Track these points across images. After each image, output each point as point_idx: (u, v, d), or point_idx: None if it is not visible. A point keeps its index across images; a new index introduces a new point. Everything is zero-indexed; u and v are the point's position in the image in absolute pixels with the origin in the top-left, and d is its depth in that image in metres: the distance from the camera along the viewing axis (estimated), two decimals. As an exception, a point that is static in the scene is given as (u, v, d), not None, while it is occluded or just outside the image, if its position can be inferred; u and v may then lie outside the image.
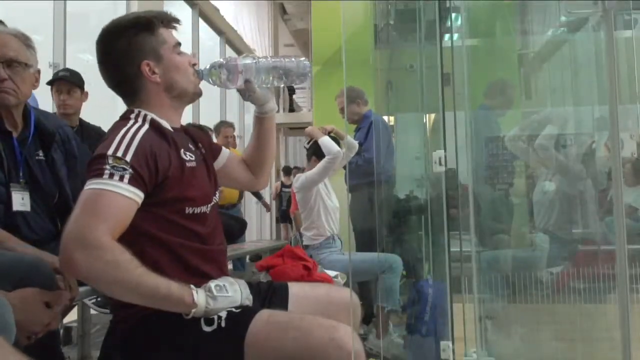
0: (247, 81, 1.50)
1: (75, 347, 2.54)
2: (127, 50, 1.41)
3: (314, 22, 7.44)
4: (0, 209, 1.62)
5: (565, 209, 3.13)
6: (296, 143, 14.04)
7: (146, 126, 1.39)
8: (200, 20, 7.05)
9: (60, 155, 1.82)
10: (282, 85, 1.58)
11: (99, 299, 2.70)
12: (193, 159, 1.45)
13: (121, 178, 1.26)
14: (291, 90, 11.26)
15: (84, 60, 4.77)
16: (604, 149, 2.87)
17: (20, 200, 1.68)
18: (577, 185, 3.12)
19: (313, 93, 8.42)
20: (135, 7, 4.99)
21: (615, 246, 1.53)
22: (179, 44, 1.49)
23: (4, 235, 1.53)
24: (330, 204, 3.46)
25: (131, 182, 1.27)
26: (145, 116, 1.42)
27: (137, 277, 1.22)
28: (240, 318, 1.33)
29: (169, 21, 1.48)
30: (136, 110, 1.44)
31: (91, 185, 1.25)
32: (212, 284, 1.33)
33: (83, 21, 4.95)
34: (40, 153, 1.77)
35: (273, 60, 1.52)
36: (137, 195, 1.28)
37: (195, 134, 1.58)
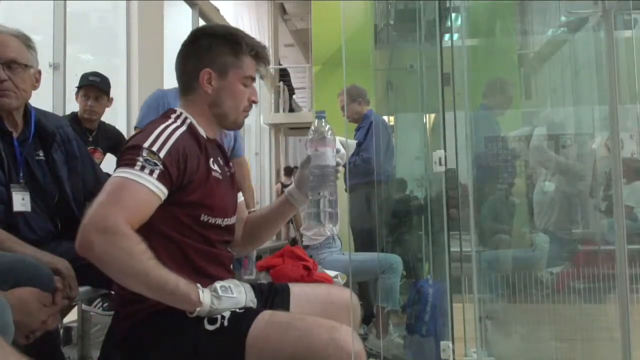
0: (322, 195, 1.38)
1: (75, 347, 2.53)
2: (203, 51, 1.47)
3: (314, 22, 7.44)
4: (0, 209, 1.62)
5: (565, 209, 3.13)
6: (296, 143, 14.05)
7: (184, 128, 1.42)
8: (200, 20, 7.05)
9: (60, 155, 1.82)
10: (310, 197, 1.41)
11: (104, 305, 2.70)
12: (219, 172, 1.48)
13: (151, 172, 1.29)
14: (291, 91, 11.26)
15: (84, 60, 4.78)
16: (603, 149, 2.87)
17: (21, 201, 1.68)
18: (577, 185, 3.12)
19: (313, 93, 8.41)
20: (135, 7, 4.99)
21: (615, 246, 1.53)
22: (252, 78, 1.52)
23: (4, 235, 1.52)
24: None
25: (160, 178, 1.30)
26: (185, 119, 1.46)
27: (147, 268, 1.23)
28: (243, 318, 1.33)
29: (259, 56, 1.52)
30: (178, 111, 1.48)
31: (121, 173, 1.28)
32: (217, 284, 1.35)
33: (83, 21, 4.95)
34: (41, 153, 1.77)
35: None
36: (162, 192, 1.31)
37: (227, 153, 1.62)
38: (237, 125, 1.56)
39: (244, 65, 1.49)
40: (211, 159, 1.46)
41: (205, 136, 1.48)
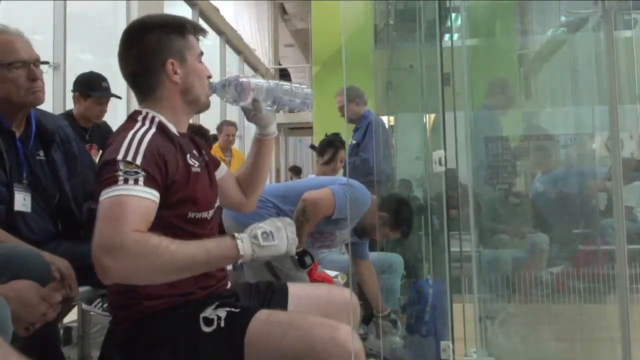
0: (255, 100, 1.53)
1: (75, 347, 2.53)
2: (156, 45, 1.43)
3: (314, 22, 7.45)
4: (1, 209, 1.61)
5: (566, 209, 3.13)
6: (296, 143, 14.05)
7: (153, 129, 1.39)
8: (200, 20, 7.05)
9: (60, 155, 1.82)
10: (285, 110, 1.61)
11: (104, 305, 2.70)
12: (197, 165, 1.46)
13: (136, 181, 1.25)
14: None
15: (84, 60, 4.78)
16: (603, 148, 2.87)
17: (22, 201, 1.68)
18: (577, 186, 3.12)
19: (313, 93, 8.38)
20: (135, 7, 4.99)
21: (615, 246, 1.53)
22: (202, 53, 1.51)
23: (4, 235, 1.53)
24: None
25: (146, 183, 1.26)
26: (153, 118, 1.42)
27: (170, 258, 1.21)
28: (240, 318, 1.33)
29: (199, 30, 1.52)
30: (144, 112, 1.44)
31: (107, 194, 1.23)
32: (258, 231, 1.31)
33: (83, 21, 4.95)
34: (41, 153, 1.77)
35: (282, 84, 1.57)
36: (154, 196, 1.28)
37: (199, 141, 1.59)
38: (207, 105, 1.54)
39: (193, 44, 1.48)
40: (188, 155, 1.44)
41: (177, 132, 1.45)
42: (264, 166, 1.69)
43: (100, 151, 3.24)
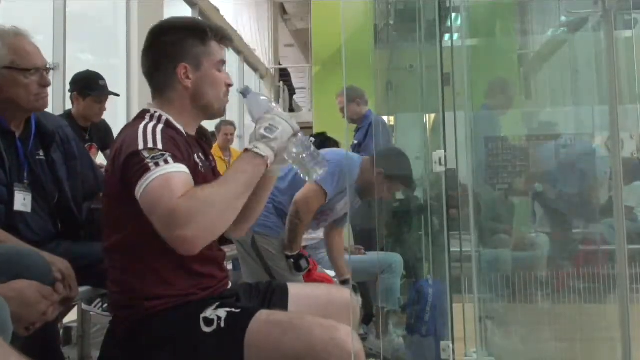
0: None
1: (75, 347, 2.53)
2: (171, 48, 1.45)
3: (314, 22, 7.45)
4: (0, 209, 1.61)
5: (566, 209, 3.13)
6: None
7: (161, 125, 1.40)
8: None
9: (59, 155, 1.82)
10: (296, 168, 1.48)
11: (104, 305, 2.70)
12: (203, 166, 1.47)
13: (166, 162, 1.27)
14: (291, 91, 11.26)
15: (84, 60, 4.78)
16: (603, 149, 2.87)
17: (22, 201, 1.68)
18: (577, 186, 3.12)
19: (313, 93, 8.41)
20: (135, 7, 4.99)
21: (615, 246, 1.53)
22: (223, 62, 1.51)
23: (3, 235, 1.52)
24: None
25: (175, 160, 1.28)
26: (160, 117, 1.44)
27: (222, 197, 1.25)
28: (240, 318, 1.33)
29: (223, 38, 1.51)
30: (152, 110, 1.46)
31: (145, 183, 1.24)
32: (260, 131, 1.35)
33: (83, 21, 4.95)
34: (41, 153, 1.77)
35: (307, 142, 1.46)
36: (185, 168, 1.30)
37: (206, 147, 1.60)
38: (221, 113, 1.54)
39: (213, 51, 1.47)
40: (195, 154, 1.45)
41: (184, 132, 1.46)
42: (261, 201, 1.64)
43: (100, 151, 3.23)
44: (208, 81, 1.46)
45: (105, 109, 3.10)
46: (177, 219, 1.19)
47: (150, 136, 1.32)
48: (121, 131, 1.45)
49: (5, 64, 1.63)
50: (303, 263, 2.41)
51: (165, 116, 1.44)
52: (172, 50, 1.44)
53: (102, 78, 3.06)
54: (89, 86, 3.01)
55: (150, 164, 1.25)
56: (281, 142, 1.35)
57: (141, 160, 1.27)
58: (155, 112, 1.45)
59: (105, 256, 1.46)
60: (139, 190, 1.24)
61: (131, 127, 1.39)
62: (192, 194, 1.22)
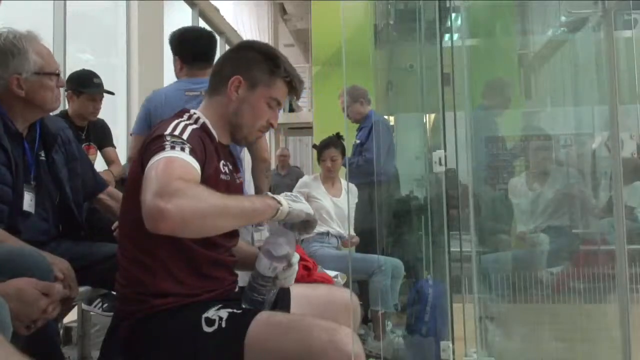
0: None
1: (75, 347, 2.54)
2: (242, 60, 1.50)
3: (314, 22, 7.45)
4: (4, 210, 1.61)
5: (565, 209, 3.13)
6: (296, 143, 14.05)
7: (196, 126, 1.43)
8: (200, 20, 7.05)
9: (61, 156, 1.82)
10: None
11: (104, 305, 2.70)
12: (228, 176, 1.48)
13: (182, 149, 1.29)
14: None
15: (84, 60, 4.78)
16: (603, 148, 2.87)
17: (29, 202, 1.68)
18: (577, 186, 3.12)
19: (313, 93, 8.41)
20: (135, 7, 4.99)
21: (615, 246, 1.53)
22: (278, 103, 1.52)
23: (4, 235, 1.53)
24: (325, 204, 3.44)
25: (191, 154, 1.30)
26: (198, 119, 1.46)
27: (220, 201, 1.25)
28: (241, 319, 1.33)
29: (293, 86, 1.53)
30: (192, 111, 1.48)
31: (156, 158, 1.26)
32: (287, 194, 1.43)
33: (83, 21, 4.95)
34: (42, 154, 1.78)
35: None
36: (197, 165, 1.31)
37: (236, 162, 1.62)
38: (247, 142, 1.58)
39: (274, 86, 1.49)
40: (222, 161, 1.46)
41: (217, 139, 1.48)
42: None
43: (98, 151, 3.22)
44: (251, 106, 1.48)
45: (100, 108, 3.07)
46: (164, 190, 1.17)
47: (180, 128, 1.36)
48: (157, 124, 1.48)
49: (35, 70, 1.67)
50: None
51: (203, 119, 1.46)
52: (240, 63, 1.49)
53: (97, 76, 3.04)
54: (82, 83, 2.98)
55: (167, 145, 1.28)
56: (300, 208, 1.40)
57: (162, 141, 1.30)
58: (194, 113, 1.48)
59: (118, 244, 1.48)
60: (150, 163, 1.26)
61: (167, 121, 1.42)
62: (190, 183, 1.23)
